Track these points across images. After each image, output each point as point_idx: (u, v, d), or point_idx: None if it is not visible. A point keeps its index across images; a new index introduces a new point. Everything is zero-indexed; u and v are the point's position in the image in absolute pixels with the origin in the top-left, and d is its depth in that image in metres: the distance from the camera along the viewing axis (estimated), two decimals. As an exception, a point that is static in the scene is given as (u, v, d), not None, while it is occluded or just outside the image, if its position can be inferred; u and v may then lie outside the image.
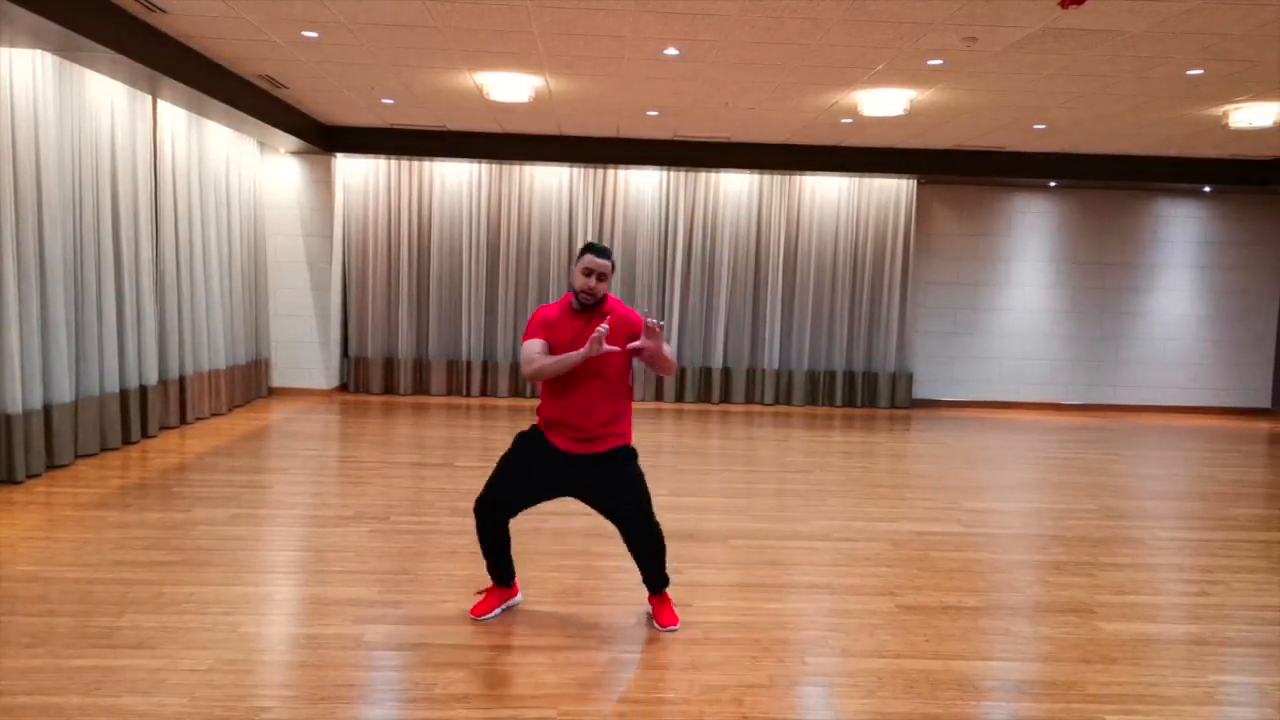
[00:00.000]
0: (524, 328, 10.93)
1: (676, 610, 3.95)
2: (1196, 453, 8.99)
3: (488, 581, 4.02)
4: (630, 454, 3.85)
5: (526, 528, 5.32)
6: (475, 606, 3.95)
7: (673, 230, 11.06)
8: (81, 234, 6.69)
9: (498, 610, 3.96)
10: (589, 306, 3.77)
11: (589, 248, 3.78)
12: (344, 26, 6.25)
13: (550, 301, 10.95)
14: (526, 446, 3.86)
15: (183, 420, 8.23)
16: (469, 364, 11.03)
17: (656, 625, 3.88)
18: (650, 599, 3.96)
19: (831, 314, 11.26)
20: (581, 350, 3.61)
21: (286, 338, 10.53)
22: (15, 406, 5.88)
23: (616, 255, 10.94)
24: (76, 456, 6.62)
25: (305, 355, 10.58)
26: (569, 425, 3.76)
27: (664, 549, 3.87)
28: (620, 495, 3.81)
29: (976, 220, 11.54)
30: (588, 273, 3.71)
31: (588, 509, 5.62)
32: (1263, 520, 6.25)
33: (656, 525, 3.84)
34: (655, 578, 3.90)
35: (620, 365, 3.79)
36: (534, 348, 3.75)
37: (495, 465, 3.91)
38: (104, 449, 6.95)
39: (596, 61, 6.97)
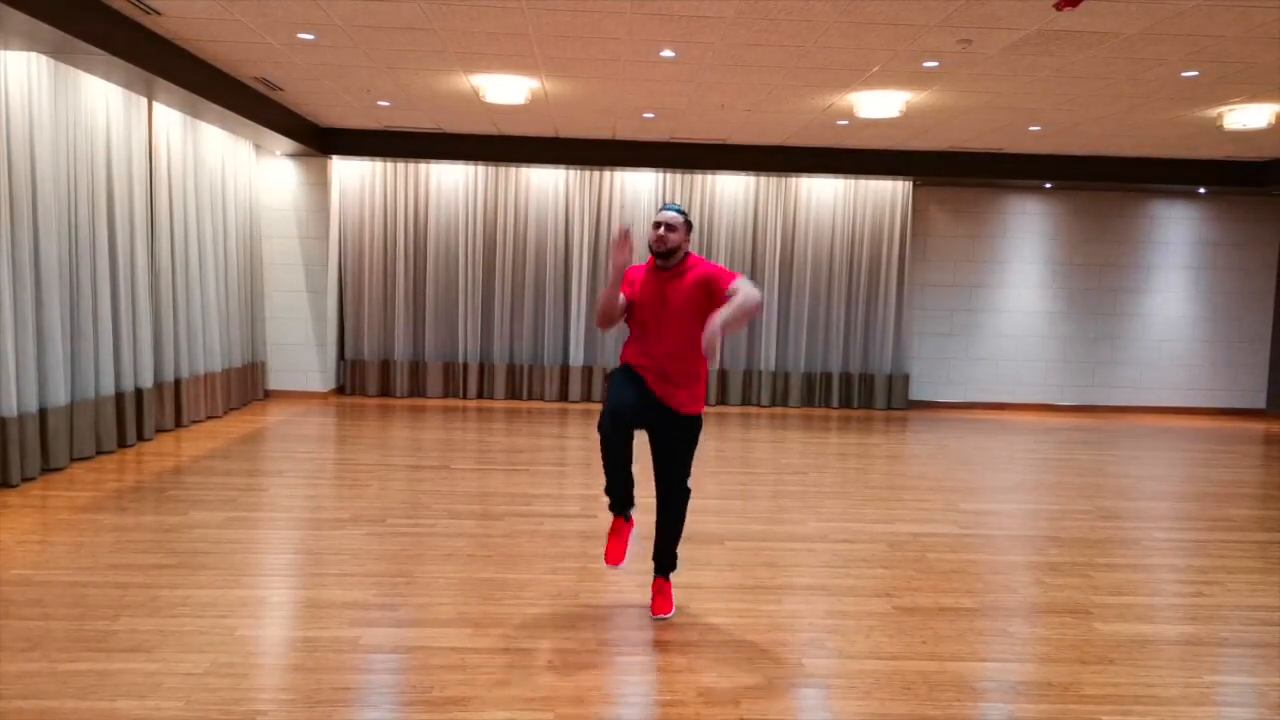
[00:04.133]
0: (519, 330, 11.01)
1: (674, 606, 4.08)
2: (1192, 453, 9.01)
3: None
4: (699, 424, 4.00)
5: (523, 529, 5.33)
6: (609, 553, 3.90)
7: (669, 232, 11.04)
8: (77, 237, 6.68)
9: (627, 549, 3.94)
10: (666, 259, 3.85)
11: (663, 207, 3.91)
12: (340, 29, 6.24)
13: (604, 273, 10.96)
14: (626, 374, 3.93)
15: (178, 423, 8.22)
16: (465, 366, 11.02)
17: (651, 615, 3.99)
18: (655, 581, 4.10)
19: (828, 315, 11.27)
20: (612, 271, 3.80)
21: (282, 340, 10.51)
22: (10, 409, 5.86)
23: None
24: (72, 460, 6.60)
25: (301, 358, 10.57)
26: (651, 368, 3.86)
27: (682, 526, 4.06)
28: (680, 455, 3.96)
29: (972, 222, 11.56)
30: (656, 225, 3.84)
31: (585, 511, 5.60)
32: (1258, 521, 6.26)
33: (688, 494, 4.02)
34: (667, 555, 4.07)
35: (689, 318, 3.79)
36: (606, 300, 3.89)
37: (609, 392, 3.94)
38: (99, 452, 6.93)
39: (593, 64, 6.97)
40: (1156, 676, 3.59)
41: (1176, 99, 7.51)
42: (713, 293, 3.76)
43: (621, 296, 3.87)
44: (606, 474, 3.87)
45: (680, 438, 3.95)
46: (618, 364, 4.03)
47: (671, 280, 3.85)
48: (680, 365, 3.85)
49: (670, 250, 3.83)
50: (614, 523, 3.94)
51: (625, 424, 3.77)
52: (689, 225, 3.89)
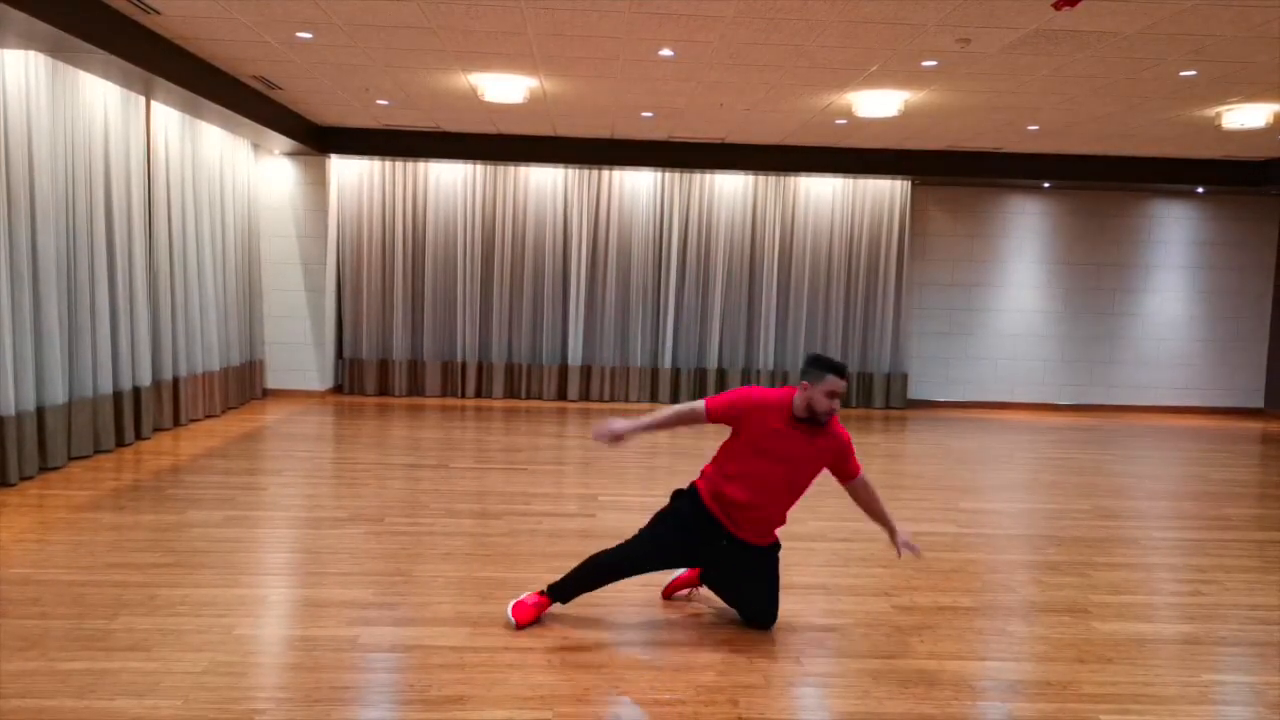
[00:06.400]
0: (518, 327, 10.99)
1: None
2: (1190, 453, 9.02)
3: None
4: (779, 547, 3.99)
5: (522, 528, 5.32)
6: (518, 609, 3.81)
7: (668, 232, 11.06)
8: (75, 235, 6.67)
9: (538, 618, 3.85)
10: (819, 424, 3.74)
11: (831, 367, 3.70)
12: (338, 28, 6.24)
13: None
14: (688, 513, 3.88)
15: (176, 422, 8.21)
16: (464, 365, 11.02)
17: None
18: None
19: (826, 315, 11.27)
20: (644, 421, 3.84)
21: (281, 339, 10.51)
22: (8, 408, 5.86)
23: (611, 257, 10.95)
24: (70, 458, 6.59)
25: (299, 357, 10.56)
26: (742, 505, 3.80)
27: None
28: (770, 589, 3.92)
29: (971, 221, 11.56)
30: (832, 395, 3.68)
31: (584, 510, 5.58)
32: (1256, 520, 6.27)
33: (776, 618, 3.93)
34: None
35: (810, 477, 3.88)
36: (692, 404, 3.86)
37: (648, 525, 3.93)
38: (97, 451, 6.92)
39: (591, 63, 6.97)
40: (1155, 675, 3.59)
41: (1175, 99, 7.52)
42: (841, 470, 3.89)
43: (694, 409, 3.81)
44: (590, 575, 3.84)
45: (766, 570, 3.90)
46: (690, 486, 3.95)
47: (817, 440, 3.77)
48: (776, 511, 3.88)
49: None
50: (538, 598, 3.85)
51: (626, 575, 3.85)
52: None
